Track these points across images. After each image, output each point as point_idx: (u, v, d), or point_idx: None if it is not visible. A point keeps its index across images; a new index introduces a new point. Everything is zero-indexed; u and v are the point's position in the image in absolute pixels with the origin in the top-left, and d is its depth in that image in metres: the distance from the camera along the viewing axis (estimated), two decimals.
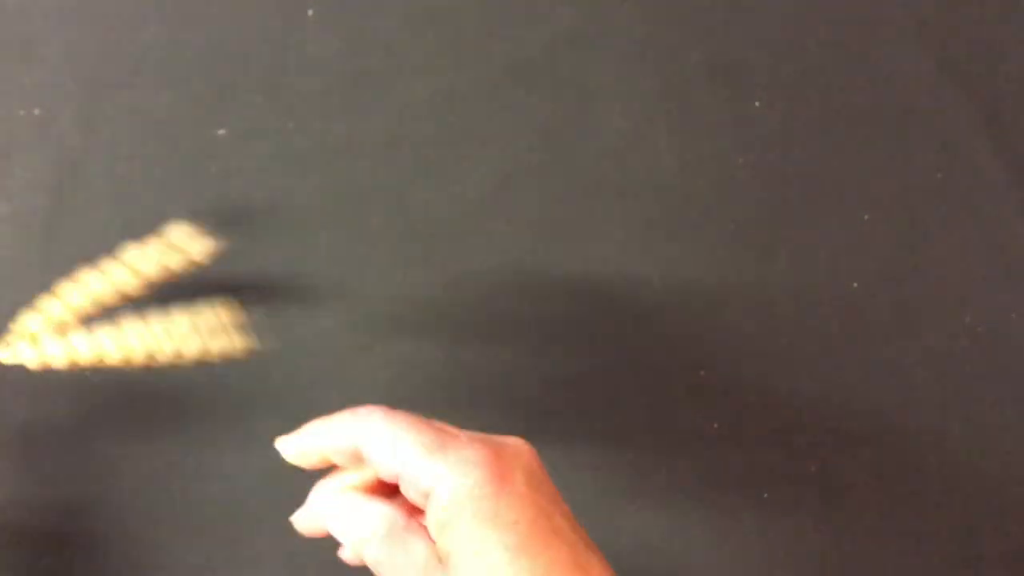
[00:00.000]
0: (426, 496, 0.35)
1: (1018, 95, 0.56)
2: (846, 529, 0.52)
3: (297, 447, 0.38)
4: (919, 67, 0.56)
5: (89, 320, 0.48)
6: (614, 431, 0.52)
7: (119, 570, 0.50)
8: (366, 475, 0.38)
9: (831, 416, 0.53)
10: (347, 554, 0.37)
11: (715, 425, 0.52)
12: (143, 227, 0.53)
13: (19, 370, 0.52)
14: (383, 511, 0.36)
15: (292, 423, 0.52)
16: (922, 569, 0.52)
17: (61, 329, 0.47)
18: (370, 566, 0.36)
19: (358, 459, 0.37)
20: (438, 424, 0.37)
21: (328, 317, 0.52)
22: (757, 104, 0.55)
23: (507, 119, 0.55)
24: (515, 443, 0.36)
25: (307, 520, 0.39)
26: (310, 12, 0.55)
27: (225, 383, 0.51)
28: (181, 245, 0.50)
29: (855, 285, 0.54)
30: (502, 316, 0.53)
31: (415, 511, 0.36)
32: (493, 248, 0.53)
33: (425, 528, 0.35)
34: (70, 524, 0.50)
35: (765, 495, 0.52)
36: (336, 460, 0.37)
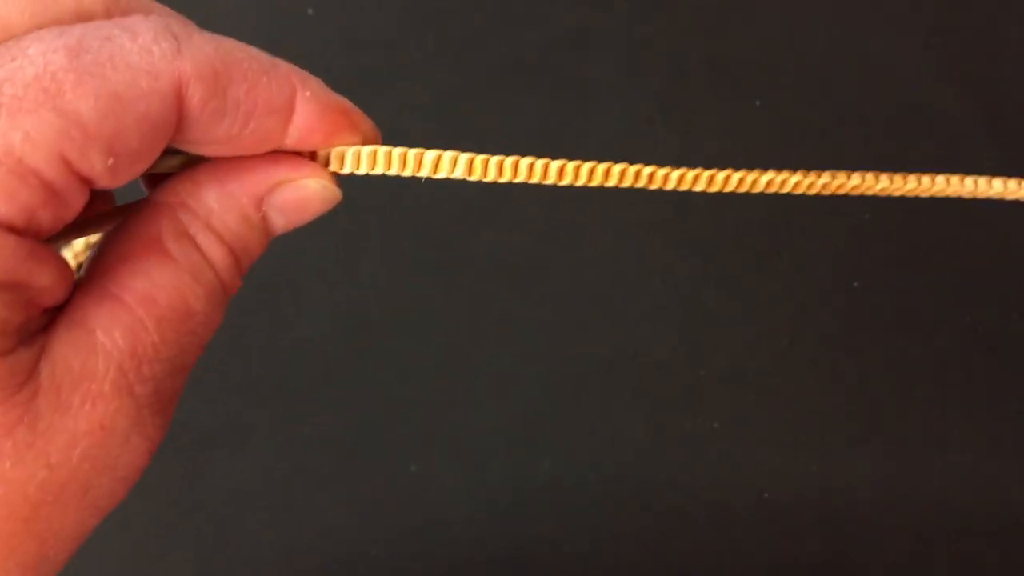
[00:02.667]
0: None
1: (1018, 95, 0.56)
2: (846, 529, 0.52)
3: None
4: (919, 67, 0.56)
5: None
6: (614, 431, 0.52)
7: (119, 570, 0.50)
8: None
9: (831, 416, 0.53)
10: None
11: (715, 425, 0.52)
12: None
13: None
14: None
15: (291, 423, 0.52)
16: (922, 569, 0.52)
17: None
18: None
19: None
20: None
21: (327, 317, 0.52)
22: (757, 104, 0.55)
23: (507, 119, 0.55)
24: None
25: None
26: (310, 11, 0.55)
27: (224, 382, 0.51)
28: None
29: (855, 285, 0.54)
30: (502, 316, 0.53)
31: None
32: (493, 248, 0.53)
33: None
34: None
35: (765, 495, 0.52)
36: None
